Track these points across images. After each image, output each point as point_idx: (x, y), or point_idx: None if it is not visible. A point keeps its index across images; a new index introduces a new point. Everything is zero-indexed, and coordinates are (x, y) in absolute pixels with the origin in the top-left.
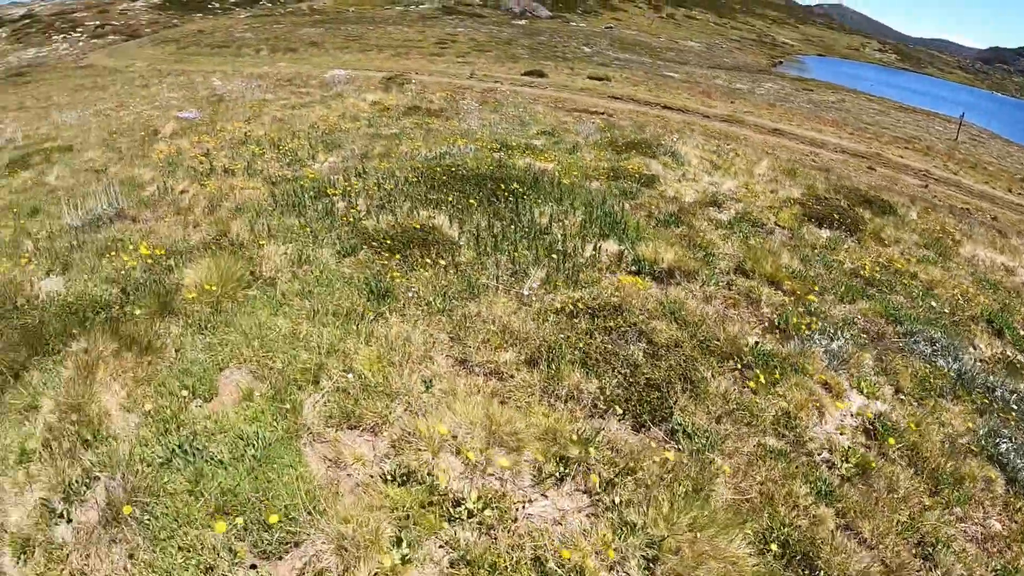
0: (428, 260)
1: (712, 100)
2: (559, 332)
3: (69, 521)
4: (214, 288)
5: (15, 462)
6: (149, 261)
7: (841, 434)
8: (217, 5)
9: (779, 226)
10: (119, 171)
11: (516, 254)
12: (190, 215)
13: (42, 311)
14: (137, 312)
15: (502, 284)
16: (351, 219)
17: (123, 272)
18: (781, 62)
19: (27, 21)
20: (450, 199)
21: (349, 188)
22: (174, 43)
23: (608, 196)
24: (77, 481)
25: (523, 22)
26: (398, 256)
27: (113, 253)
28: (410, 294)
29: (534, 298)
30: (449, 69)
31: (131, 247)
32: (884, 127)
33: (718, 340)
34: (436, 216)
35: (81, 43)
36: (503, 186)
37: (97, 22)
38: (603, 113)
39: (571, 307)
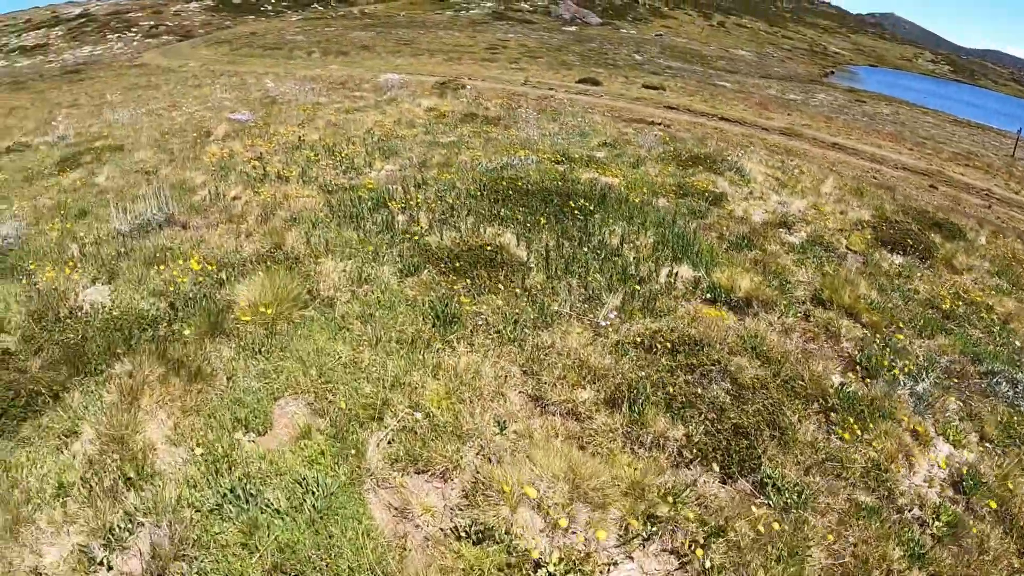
0: (496, 283)
1: (769, 112)
2: (639, 369)
3: (110, 569)
4: (268, 309)
5: (52, 496)
6: (200, 277)
7: (930, 487)
8: (269, 8)
9: (851, 250)
10: (170, 174)
11: (588, 278)
12: (243, 224)
13: (86, 325)
14: (186, 332)
15: (575, 311)
16: (413, 234)
17: (172, 286)
18: (832, 72)
19: (83, 20)
20: (516, 215)
21: (409, 200)
22: (227, 44)
23: (678, 215)
24: (119, 526)
25: (573, 28)
26: (465, 279)
27: (162, 265)
28: (479, 320)
29: (610, 328)
30: (503, 75)
31: (181, 258)
32: (940, 141)
33: (802, 380)
34: (502, 234)
35: (135, 43)
36: (570, 202)
37: (151, 22)
38: (660, 124)
39: (649, 339)
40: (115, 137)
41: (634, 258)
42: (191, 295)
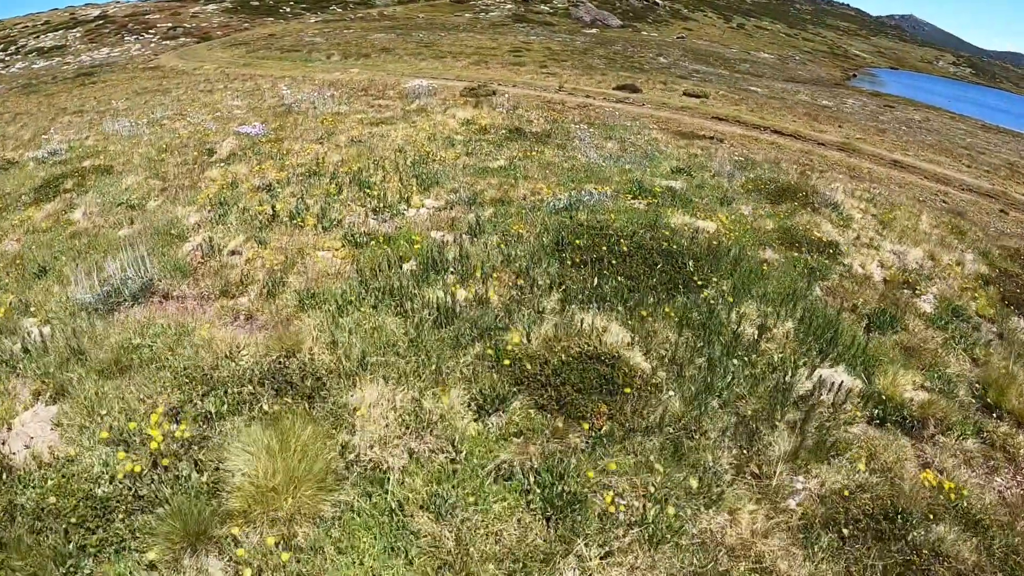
0: (621, 420)
1: (819, 124)
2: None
3: None
4: (281, 499)
5: None
6: (180, 407)
7: None
8: (288, 10)
9: (980, 316)
10: (158, 210)
11: (734, 396)
12: (242, 296)
13: (9, 512)
14: (151, 555)
15: (732, 461)
16: (484, 328)
17: (137, 429)
18: (855, 75)
19: (101, 22)
20: (616, 290)
21: (466, 262)
22: (244, 46)
23: (798, 277)
24: None
25: (594, 31)
26: (577, 417)
27: (127, 378)
28: (610, 499)
29: (788, 495)
30: (534, 80)
31: (153, 365)
32: (980, 151)
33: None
34: (607, 327)
35: (153, 44)
36: (675, 263)
37: (169, 24)
38: (713, 138)
39: (836, 509)
40: (108, 154)
41: (779, 357)
42: (163, 451)
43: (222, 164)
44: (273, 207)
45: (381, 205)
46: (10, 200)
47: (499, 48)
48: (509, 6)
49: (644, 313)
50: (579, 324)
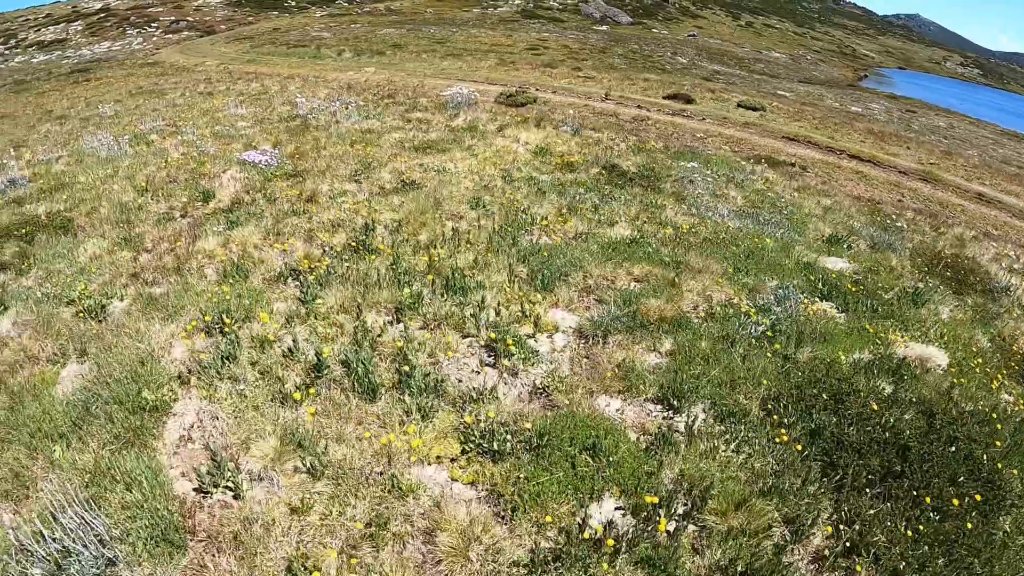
0: None
1: (886, 144)
2: None
3: None
4: None
5: None
6: None
7: None
8: (293, 3)
9: None
10: (124, 325)
11: None
12: None
13: None
14: None
15: None
16: None
17: None
18: (866, 76)
19: (103, 15)
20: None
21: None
22: (248, 41)
23: None
24: None
25: (605, 28)
26: None
27: None
28: None
29: None
30: (573, 85)
31: None
32: (1021, 166)
33: None
34: None
35: (155, 38)
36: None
37: (172, 17)
38: (795, 165)
39: None
40: (73, 191)
41: None
42: None
43: (222, 222)
44: (318, 355)
45: (493, 332)
46: None
47: (515, 45)
48: (517, 1)
49: None
50: None
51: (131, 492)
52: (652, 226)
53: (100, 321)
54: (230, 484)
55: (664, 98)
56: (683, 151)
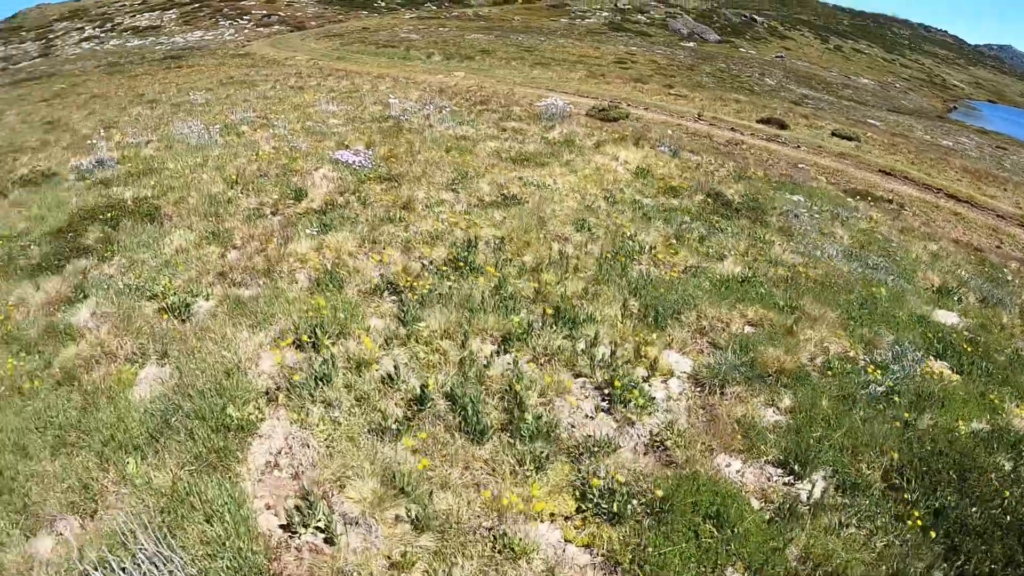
0: None
1: (983, 184)
2: None
3: None
4: None
5: None
6: None
7: None
8: (382, 4)
9: None
10: (209, 328)
11: None
12: None
13: None
14: None
15: None
16: None
17: None
18: (955, 107)
19: (197, 5)
20: None
21: None
22: (338, 38)
23: None
24: None
25: (692, 44)
26: None
27: None
28: None
29: None
30: (665, 103)
31: None
32: None
33: None
34: None
35: (246, 30)
36: None
37: (264, 11)
38: (892, 201)
39: None
40: (162, 179)
41: None
42: None
43: (314, 224)
44: (423, 387)
45: (607, 373)
46: (10, 256)
47: (603, 58)
48: (605, 14)
49: None
50: None
51: (212, 525)
52: (762, 263)
53: (183, 321)
54: (321, 525)
55: (757, 122)
56: (783, 181)
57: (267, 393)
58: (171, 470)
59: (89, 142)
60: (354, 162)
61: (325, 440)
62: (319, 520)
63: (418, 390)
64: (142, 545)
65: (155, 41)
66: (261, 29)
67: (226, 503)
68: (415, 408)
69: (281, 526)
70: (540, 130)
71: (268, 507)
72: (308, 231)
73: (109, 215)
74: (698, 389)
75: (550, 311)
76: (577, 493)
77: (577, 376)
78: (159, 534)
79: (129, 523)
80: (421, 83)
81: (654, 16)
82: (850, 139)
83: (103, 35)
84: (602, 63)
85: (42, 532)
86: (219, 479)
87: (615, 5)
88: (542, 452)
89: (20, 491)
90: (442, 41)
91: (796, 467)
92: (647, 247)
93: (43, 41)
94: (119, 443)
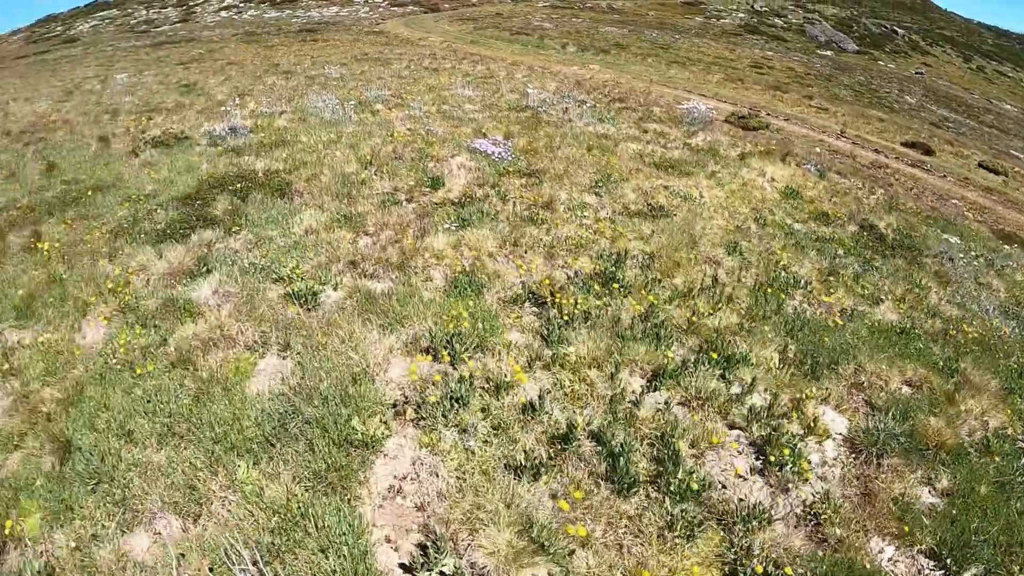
0: None
1: None
2: None
3: None
4: None
5: None
6: None
7: None
8: None
9: None
10: (335, 324)
11: None
12: None
13: None
14: None
15: None
16: None
17: None
18: None
19: None
20: None
21: None
22: (471, 22)
23: None
24: None
25: (829, 53)
26: None
27: None
28: None
29: None
30: (806, 115)
31: None
32: None
33: None
34: None
35: (380, 8)
36: None
37: None
38: None
39: None
40: (294, 151)
41: None
42: None
43: (452, 217)
44: (571, 425)
45: (761, 428)
46: (135, 218)
47: (739, 61)
48: (741, 15)
49: None
50: None
51: (327, 557)
52: (919, 313)
53: (309, 310)
54: (448, 572)
55: (902, 144)
56: (935, 216)
57: (395, 406)
58: (285, 483)
59: (223, 108)
60: (493, 153)
61: (456, 470)
62: (445, 565)
63: (563, 426)
64: (247, 567)
65: (291, 14)
66: (395, 8)
67: (344, 533)
68: (558, 446)
69: (401, 565)
70: (682, 135)
71: (388, 540)
72: (446, 225)
73: (239, 186)
74: (853, 456)
75: (703, 345)
76: (727, 570)
77: (731, 427)
78: (266, 556)
79: (234, 539)
80: (557, 74)
81: (791, 21)
82: (998, 173)
83: (241, 5)
84: (738, 66)
85: (139, 529)
86: (338, 503)
87: (751, 6)
88: (693, 516)
89: (121, 481)
90: (575, 32)
91: (949, 561)
92: (801, 281)
93: (184, 7)
94: (231, 444)
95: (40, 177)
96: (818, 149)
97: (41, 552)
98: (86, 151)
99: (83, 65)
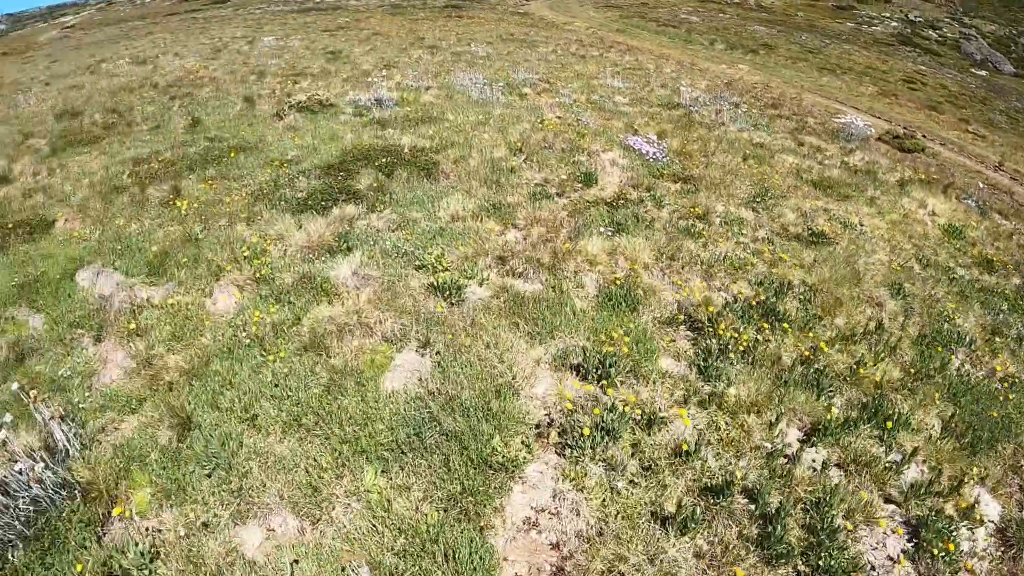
0: None
1: None
2: None
3: None
4: None
5: None
6: None
7: None
8: None
9: None
10: (480, 330)
11: None
12: None
13: None
14: None
15: None
16: None
17: None
18: None
19: None
20: None
21: None
22: (617, 10)
23: None
24: None
25: (983, 73)
26: None
27: None
28: None
29: None
30: (963, 141)
31: None
32: None
33: None
34: None
35: None
36: None
37: None
38: None
39: None
40: (440, 129)
41: None
42: None
43: (605, 220)
44: (729, 481)
45: (918, 507)
46: (276, 184)
47: (890, 73)
48: (894, 24)
49: None
50: None
51: None
52: None
53: (452, 305)
54: None
55: None
56: None
57: (538, 427)
58: (415, 500)
59: (368, 79)
60: (647, 152)
61: (599, 509)
62: None
63: (719, 477)
64: None
65: None
66: None
67: (475, 569)
68: (710, 499)
69: None
70: (839, 151)
71: None
72: (599, 229)
73: (383, 160)
74: (1003, 547)
75: (864, 400)
76: None
77: (887, 501)
78: None
79: (355, 555)
80: (705, 71)
81: (946, 34)
82: None
83: None
84: (890, 79)
85: (252, 522)
86: (471, 532)
87: (905, 15)
88: None
89: (239, 469)
90: (723, 28)
91: None
92: (966, 338)
93: None
94: (361, 447)
95: (184, 132)
96: (979, 183)
97: (147, 530)
98: (231, 110)
99: (232, 25)
